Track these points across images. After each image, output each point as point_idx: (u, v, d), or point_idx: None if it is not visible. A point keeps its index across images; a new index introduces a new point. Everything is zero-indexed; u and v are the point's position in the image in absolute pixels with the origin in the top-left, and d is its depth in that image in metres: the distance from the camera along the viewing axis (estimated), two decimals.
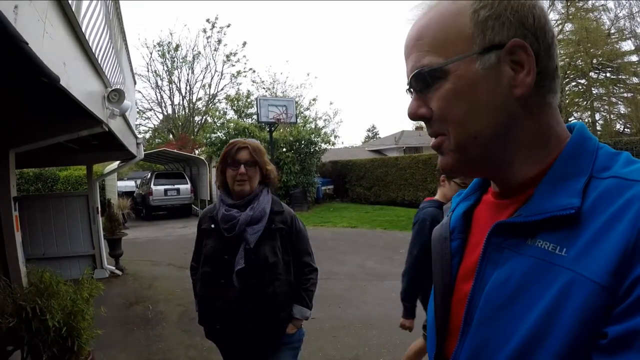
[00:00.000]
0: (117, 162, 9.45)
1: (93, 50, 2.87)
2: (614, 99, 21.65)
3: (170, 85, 33.99)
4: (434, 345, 0.87)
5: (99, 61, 3.24)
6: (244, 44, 36.57)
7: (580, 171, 0.69)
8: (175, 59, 33.28)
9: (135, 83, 10.36)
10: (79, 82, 2.57)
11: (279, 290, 2.32)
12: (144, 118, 33.56)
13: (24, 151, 4.34)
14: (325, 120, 22.49)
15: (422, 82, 0.76)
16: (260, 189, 2.38)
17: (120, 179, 22.04)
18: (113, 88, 3.74)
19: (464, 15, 0.73)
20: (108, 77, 3.76)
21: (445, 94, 0.74)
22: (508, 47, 0.70)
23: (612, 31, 20.77)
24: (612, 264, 0.57)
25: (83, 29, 2.54)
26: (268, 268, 2.28)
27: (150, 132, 34.19)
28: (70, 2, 2.19)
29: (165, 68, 33.50)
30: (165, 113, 34.93)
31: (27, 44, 1.45)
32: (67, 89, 2.23)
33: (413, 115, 0.80)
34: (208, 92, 34.41)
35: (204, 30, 34.73)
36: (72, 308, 3.43)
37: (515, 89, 0.71)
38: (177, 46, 32.83)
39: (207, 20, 32.82)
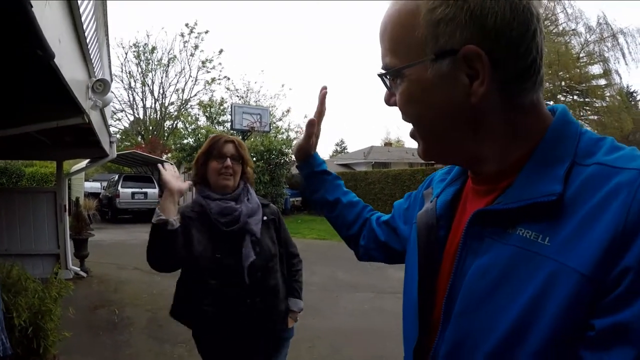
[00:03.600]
0: (86, 161, 9.12)
1: (85, 35, 2.70)
2: (581, 121, 22.38)
3: (143, 88, 33.56)
4: (414, 337, 0.83)
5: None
6: (221, 51, 36.16)
7: (562, 157, 0.66)
8: (151, 61, 32.89)
9: (111, 80, 10.10)
10: (69, 65, 2.41)
11: (280, 282, 2.26)
12: (114, 119, 32.94)
13: None
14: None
15: (385, 81, 0.79)
16: (245, 185, 2.27)
17: (85, 180, 21.48)
18: (98, 78, 3.58)
19: (418, 17, 0.69)
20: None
21: (401, 93, 0.74)
22: (461, 54, 0.66)
23: (582, 55, 21.49)
24: (598, 254, 0.55)
25: (80, 11, 2.38)
26: (271, 259, 2.20)
27: (119, 133, 33.54)
28: None
29: (140, 70, 33.09)
30: (137, 115, 34.40)
31: (32, 6, 1.31)
32: (60, 68, 2.07)
33: (386, 103, 0.81)
34: (181, 97, 34.14)
35: (182, 35, 34.45)
36: (39, 307, 3.23)
37: (471, 97, 0.68)
38: (154, 48, 32.49)
39: (186, 25, 32.46)
